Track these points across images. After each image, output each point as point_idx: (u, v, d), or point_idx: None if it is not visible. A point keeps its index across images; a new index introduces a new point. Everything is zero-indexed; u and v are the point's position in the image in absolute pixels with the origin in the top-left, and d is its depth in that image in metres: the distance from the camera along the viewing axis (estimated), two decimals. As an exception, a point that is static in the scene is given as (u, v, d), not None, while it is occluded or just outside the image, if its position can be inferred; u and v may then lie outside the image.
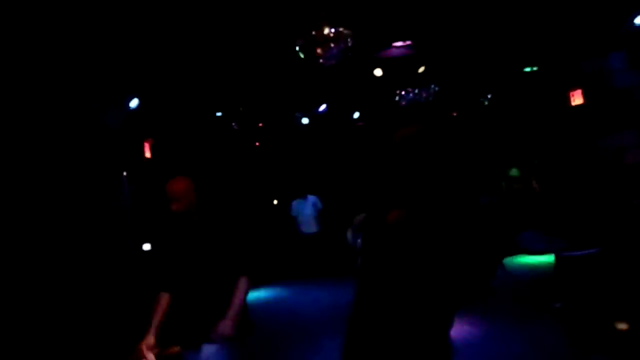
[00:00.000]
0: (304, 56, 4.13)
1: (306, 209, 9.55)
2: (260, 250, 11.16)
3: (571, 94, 7.77)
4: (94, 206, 6.83)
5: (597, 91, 7.09)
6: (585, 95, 7.40)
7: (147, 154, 8.52)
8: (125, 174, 7.68)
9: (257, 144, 11.78)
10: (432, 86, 7.42)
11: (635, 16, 5.85)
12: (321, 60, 4.03)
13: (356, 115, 9.75)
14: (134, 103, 6.66)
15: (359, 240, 7.30)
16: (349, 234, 7.42)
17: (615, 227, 6.23)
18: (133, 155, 8.04)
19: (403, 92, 7.32)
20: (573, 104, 7.75)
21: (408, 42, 6.13)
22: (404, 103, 7.39)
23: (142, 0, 4.61)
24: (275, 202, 12.70)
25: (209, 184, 10.95)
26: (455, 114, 10.05)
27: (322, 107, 8.84)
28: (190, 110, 8.37)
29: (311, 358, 5.15)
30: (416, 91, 7.22)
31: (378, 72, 6.75)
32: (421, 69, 6.92)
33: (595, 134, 7.08)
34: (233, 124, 8.78)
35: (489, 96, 8.54)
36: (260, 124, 9.82)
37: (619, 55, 6.91)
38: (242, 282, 2.81)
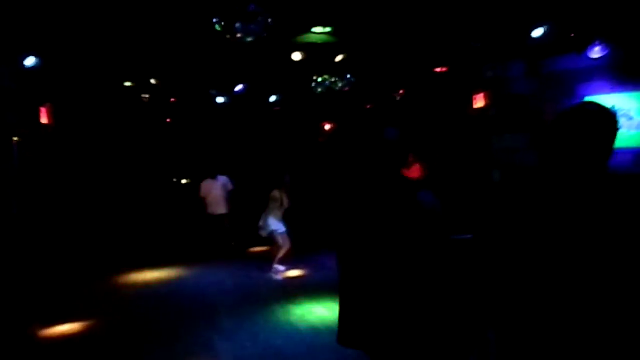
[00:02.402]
0: (221, 29, 4.04)
1: (215, 189, 9.37)
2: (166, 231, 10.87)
3: (475, 96, 8.33)
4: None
5: (498, 96, 7.66)
6: (487, 98, 7.96)
7: (44, 120, 7.90)
8: (16, 139, 7.08)
9: (168, 120, 11.37)
10: (349, 76, 7.57)
11: (534, 29, 6.38)
12: (239, 35, 3.96)
13: (273, 98, 9.70)
14: (30, 61, 6.11)
15: (270, 223, 7.40)
16: (265, 221, 7.49)
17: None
18: (27, 120, 7.42)
19: (320, 80, 7.40)
20: (475, 106, 8.32)
21: (328, 29, 6.20)
22: (320, 90, 7.48)
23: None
24: (184, 181, 12.37)
25: (112, 158, 10.40)
26: (369, 107, 10.37)
27: (239, 87, 8.69)
28: (96, 77, 7.85)
29: (213, 337, 5.10)
30: (333, 80, 7.33)
31: (297, 56, 6.76)
32: (339, 57, 7.03)
33: (491, 134, 7.66)
34: (143, 96, 8.36)
35: (401, 92, 8.89)
36: (173, 99, 9.45)
37: (519, 64, 7.52)
38: None
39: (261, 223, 7.58)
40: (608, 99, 6.72)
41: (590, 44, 6.70)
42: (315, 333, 5.03)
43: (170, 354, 4.71)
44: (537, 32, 6.44)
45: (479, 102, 8.23)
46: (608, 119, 1.50)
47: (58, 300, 6.69)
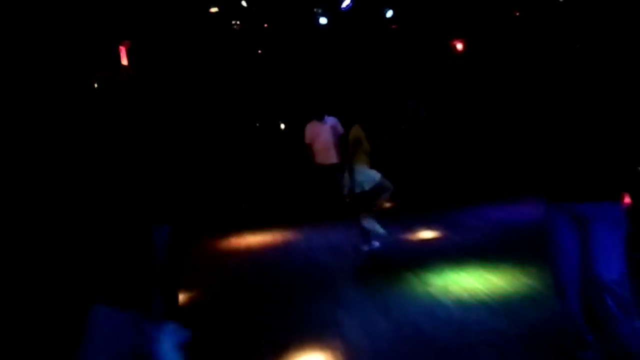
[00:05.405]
0: None
1: (323, 133, 9.33)
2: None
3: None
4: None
5: None
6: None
7: (124, 61, 8.28)
8: (95, 85, 7.50)
9: (259, 51, 11.47)
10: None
11: None
12: None
13: (389, 14, 9.39)
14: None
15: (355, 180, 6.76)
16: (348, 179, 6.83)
17: None
18: (107, 61, 7.82)
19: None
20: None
21: None
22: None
23: None
24: (282, 125, 12.57)
25: (197, 98, 10.78)
26: (517, 14, 9.67)
27: (346, 2, 8.49)
28: (178, 4, 8.06)
29: (335, 309, 5.15)
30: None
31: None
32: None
33: None
34: (233, 22, 8.47)
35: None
36: (266, 25, 9.48)
37: None
38: None
39: (358, 178, 6.83)
40: None
41: None
42: (465, 308, 4.84)
43: (288, 327, 4.82)
44: None
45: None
46: None
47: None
